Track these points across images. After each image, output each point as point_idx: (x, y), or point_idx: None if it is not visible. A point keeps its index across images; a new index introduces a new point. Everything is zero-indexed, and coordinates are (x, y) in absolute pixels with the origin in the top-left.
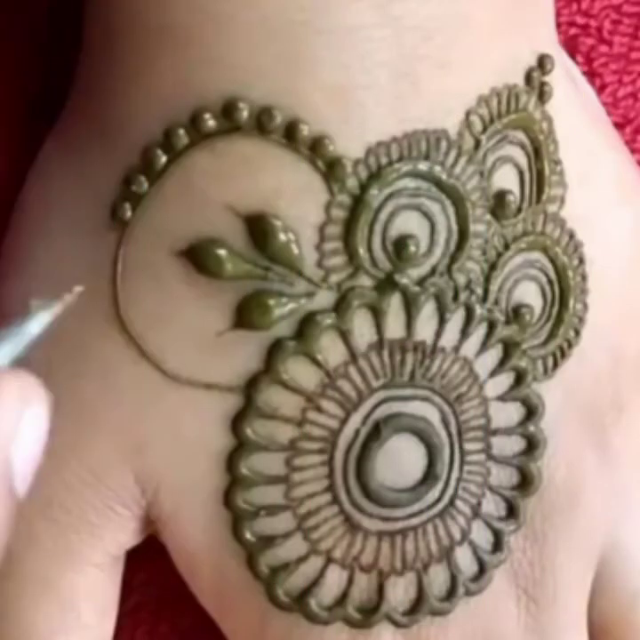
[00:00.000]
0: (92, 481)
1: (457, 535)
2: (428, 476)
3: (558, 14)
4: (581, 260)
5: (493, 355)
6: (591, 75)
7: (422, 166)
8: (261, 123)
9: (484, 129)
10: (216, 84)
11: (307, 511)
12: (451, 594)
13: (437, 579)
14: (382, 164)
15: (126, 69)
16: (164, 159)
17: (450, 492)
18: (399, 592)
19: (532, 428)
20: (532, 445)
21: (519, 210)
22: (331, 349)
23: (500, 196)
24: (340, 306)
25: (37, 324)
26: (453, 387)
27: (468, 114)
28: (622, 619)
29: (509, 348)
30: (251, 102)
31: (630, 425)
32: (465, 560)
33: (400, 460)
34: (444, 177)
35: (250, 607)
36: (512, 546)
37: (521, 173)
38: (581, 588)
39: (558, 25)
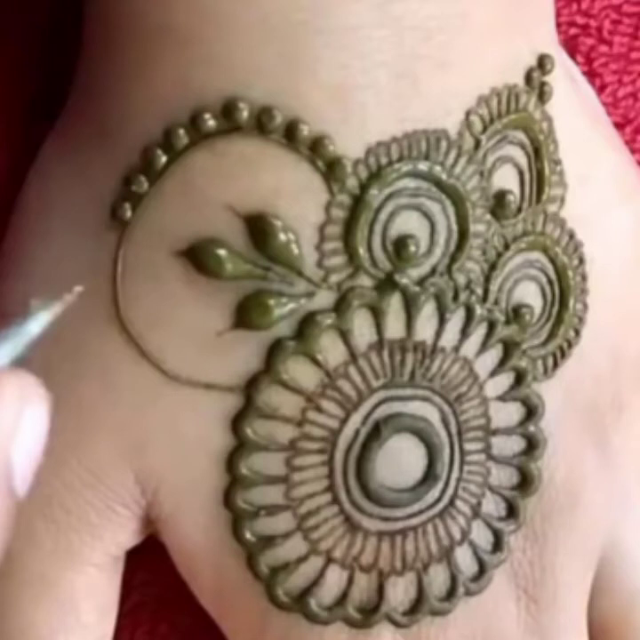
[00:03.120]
0: (91, 481)
1: (457, 535)
2: (428, 476)
3: (558, 14)
4: (581, 260)
5: (493, 355)
6: (591, 75)
7: (422, 166)
8: (261, 123)
9: (484, 129)
10: (216, 84)
11: (307, 511)
12: (451, 594)
13: (437, 579)
14: (382, 164)
15: (126, 69)
16: (164, 159)
17: (450, 492)
18: (399, 592)
19: (532, 428)
20: (532, 445)
21: (519, 210)
22: (331, 349)
23: (500, 196)
24: (340, 306)
25: (37, 323)
26: (453, 387)
27: (467, 114)
28: (622, 619)
29: (509, 347)
30: (251, 102)
31: (630, 425)
32: (465, 560)
33: (400, 460)
34: (444, 177)
35: (250, 607)
36: (512, 546)
37: (521, 173)
38: (581, 588)
39: (558, 25)
